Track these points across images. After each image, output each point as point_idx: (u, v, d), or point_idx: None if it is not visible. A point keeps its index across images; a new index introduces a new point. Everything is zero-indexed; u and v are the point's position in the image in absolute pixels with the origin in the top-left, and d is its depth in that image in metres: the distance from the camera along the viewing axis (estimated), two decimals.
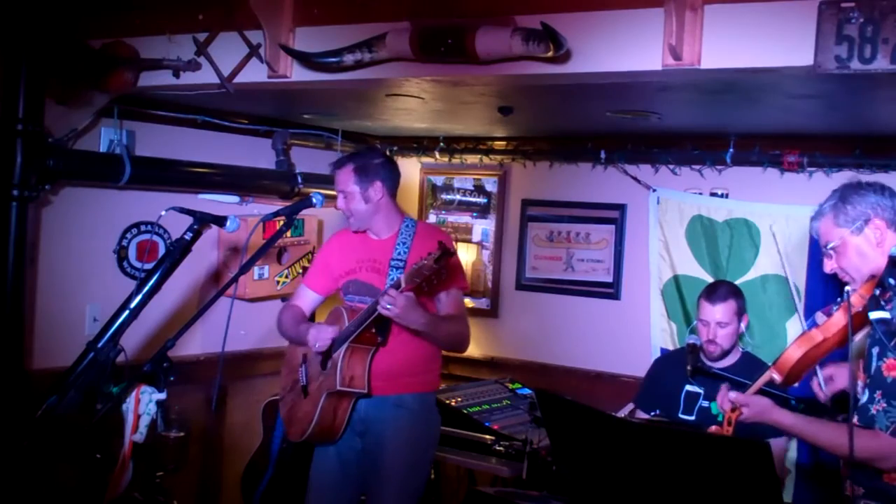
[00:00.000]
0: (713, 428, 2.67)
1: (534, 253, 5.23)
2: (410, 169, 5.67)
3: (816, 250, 4.22)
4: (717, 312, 3.58)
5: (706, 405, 3.60)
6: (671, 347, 4.63)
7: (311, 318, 3.69)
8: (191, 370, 4.37)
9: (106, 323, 3.63)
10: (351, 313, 3.31)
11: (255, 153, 4.86)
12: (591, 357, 4.95)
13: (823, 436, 2.48)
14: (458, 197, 5.55)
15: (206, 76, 3.48)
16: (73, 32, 3.68)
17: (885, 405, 2.35)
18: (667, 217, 4.73)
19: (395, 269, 3.30)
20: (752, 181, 4.49)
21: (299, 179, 4.85)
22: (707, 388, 3.60)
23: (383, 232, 3.43)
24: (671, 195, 4.73)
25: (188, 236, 3.25)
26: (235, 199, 4.71)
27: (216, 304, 2.83)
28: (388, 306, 3.05)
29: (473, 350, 5.31)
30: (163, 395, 3.56)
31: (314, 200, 3.20)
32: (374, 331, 3.26)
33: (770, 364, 2.64)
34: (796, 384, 2.75)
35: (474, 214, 5.48)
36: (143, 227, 4.40)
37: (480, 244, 5.45)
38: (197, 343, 4.57)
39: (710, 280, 4.35)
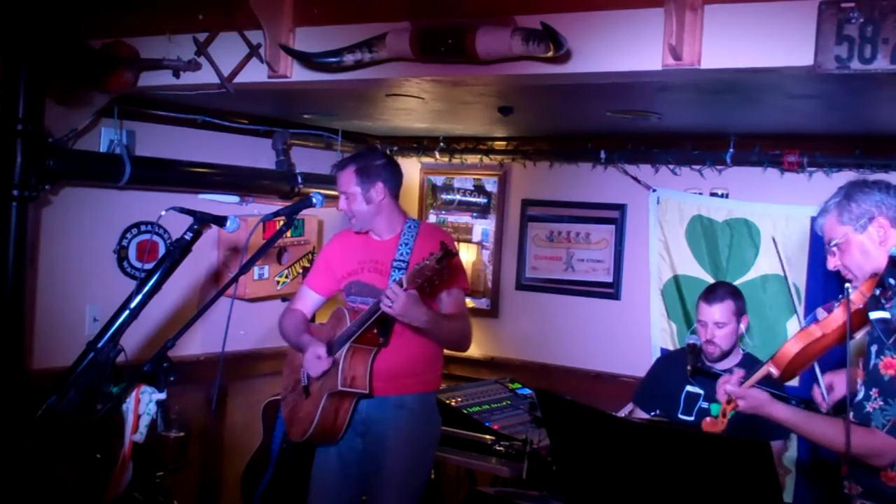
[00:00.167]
0: (707, 419, 2.66)
1: (534, 253, 5.23)
2: (410, 169, 5.66)
3: (816, 251, 4.28)
4: (715, 313, 3.58)
5: (706, 406, 3.60)
6: (671, 347, 4.63)
7: (312, 319, 3.69)
8: (191, 370, 4.37)
9: (106, 323, 3.63)
10: (353, 314, 3.31)
11: (255, 153, 4.86)
12: (591, 357, 4.95)
13: (818, 431, 2.49)
14: (458, 197, 5.55)
15: (206, 76, 3.48)
16: (73, 32, 3.68)
17: (881, 403, 2.36)
18: (667, 217, 4.73)
19: (397, 270, 3.30)
20: (752, 181, 4.49)
21: (299, 179, 4.85)
22: (707, 389, 3.59)
23: (385, 233, 3.43)
24: (671, 195, 4.73)
25: (188, 236, 3.25)
26: (235, 199, 4.71)
27: (216, 304, 2.83)
28: (390, 304, 3.05)
29: (473, 350, 5.31)
30: (163, 395, 3.57)
31: (314, 200, 3.20)
32: (375, 331, 3.26)
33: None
34: (794, 380, 2.74)
35: (474, 214, 5.48)
36: (143, 227, 4.40)
37: (480, 244, 5.45)
38: (197, 343, 4.57)
39: (711, 280, 4.36)
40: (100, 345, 3.51)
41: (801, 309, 3.75)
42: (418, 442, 3.41)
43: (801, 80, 2.84)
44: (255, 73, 3.38)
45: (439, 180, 5.61)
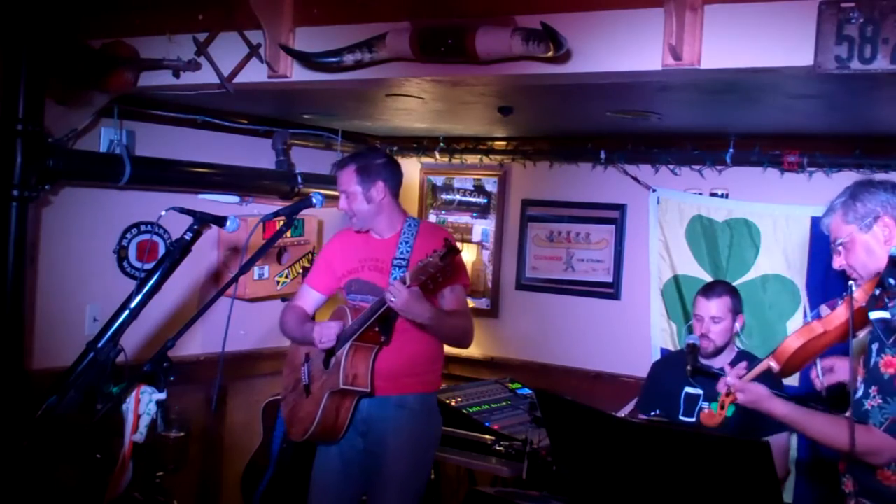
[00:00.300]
0: (706, 411, 2.66)
1: (534, 253, 5.23)
2: (410, 169, 5.66)
3: (816, 251, 4.28)
4: (712, 308, 3.61)
5: (706, 406, 3.60)
6: (671, 347, 4.63)
7: (313, 319, 3.69)
8: (191, 370, 4.37)
9: (106, 323, 3.64)
10: (354, 312, 3.31)
11: (255, 153, 4.86)
12: (591, 357, 4.95)
13: (816, 428, 2.49)
14: (458, 197, 5.55)
15: (206, 76, 3.48)
16: (73, 32, 3.68)
17: (880, 401, 2.36)
18: (667, 217, 4.73)
19: (397, 269, 3.30)
20: (752, 181, 4.49)
21: (299, 179, 4.85)
22: (707, 389, 3.60)
23: (386, 231, 3.43)
24: (671, 195, 4.73)
25: (188, 236, 3.25)
26: (235, 199, 4.71)
27: (216, 304, 2.83)
28: (393, 299, 3.05)
29: (473, 350, 5.31)
30: (163, 395, 3.57)
31: (314, 200, 3.20)
32: (377, 329, 3.26)
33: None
34: (794, 376, 2.74)
35: (474, 214, 5.48)
36: (143, 227, 4.40)
37: (480, 244, 5.45)
38: (197, 343, 4.57)
39: (711, 280, 4.36)
40: (100, 345, 3.51)
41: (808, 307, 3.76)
42: (419, 442, 3.41)
43: (801, 80, 2.84)
44: (255, 73, 3.38)
45: (439, 180, 5.61)
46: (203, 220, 3.23)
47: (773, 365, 2.55)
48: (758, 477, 2.33)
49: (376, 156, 3.46)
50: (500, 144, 5.22)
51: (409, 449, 3.37)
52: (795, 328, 2.73)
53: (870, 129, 3.97)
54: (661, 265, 4.76)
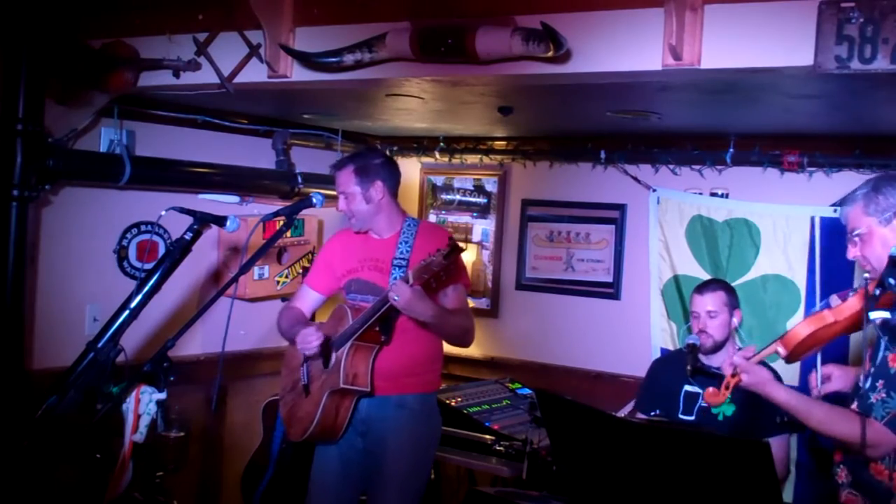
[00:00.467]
0: (710, 389, 2.66)
1: (534, 253, 5.23)
2: (410, 169, 5.67)
3: (816, 251, 4.28)
4: (707, 302, 3.62)
5: (706, 405, 3.60)
6: (671, 347, 4.63)
7: (313, 318, 3.69)
8: (191, 370, 4.37)
9: (106, 323, 3.63)
10: (355, 312, 3.31)
11: (255, 153, 4.86)
12: (591, 357, 4.95)
13: (815, 416, 2.49)
14: (458, 197, 5.55)
15: (206, 76, 3.48)
16: (73, 32, 3.68)
17: (884, 395, 2.38)
18: (667, 217, 4.73)
19: (397, 268, 3.30)
20: (752, 181, 4.49)
21: (299, 179, 4.85)
22: (706, 388, 3.59)
23: (385, 231, 3.43)
24: (671, 195, 4.73)
25: (188, 236, 3.25)
26: (235, 199, 4.71)
27: (216, 304, 2.83)
28: (396, 297, 3.05)
29: (473, 350, 5.30)
30: (163, 395, 3.57)
31: (314, 200, 3.20)
32: (377, 329, 3.26)
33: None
34: (794, 377, 2.74)
35: (474, 214, 5.48)
36: (143, 227, 4.40)
37: (480, 244, 5.45)
38: (197, 343, 4.57)
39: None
40: (100, 345, 3.51)
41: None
42: (419, 442, 3.41)
43: (801, 80, 2.84)
44: (255, 73, 3.38)
45: (439, 180, 5.62)
46: (203, 220, 3.23)
47: (781, 350, 2.55)
48: (758, 477, 2.34)
49: (374, 156, 3.46)
50: (500, 144, 5.22)
51: (409, 449, 3.37)
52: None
53: (870, 129, 3.97)
54: (661, 265, 4.76)
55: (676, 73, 2.73)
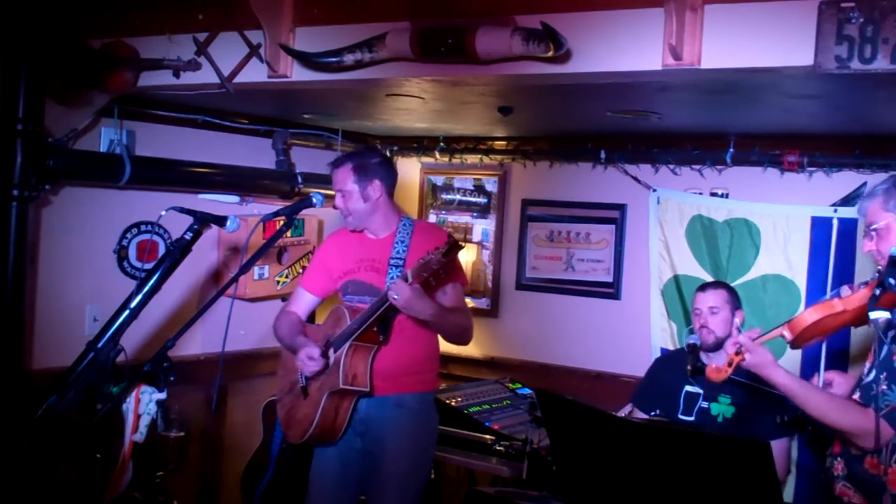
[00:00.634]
0: (713, 366, 2.66)
1: (534, 253, 5.23)
2: (410, 169, 5.67)
3: (816, 251, 4.28)
4: (709, 299, 3.64)
5: (706, 406, 3.60)
6: (671, 347, 4.63)
7: (312, 319, 3.69)
8: (191, 370, 4.37)
9: (106, 323, 3.63)
10: (353, 312, 3.31)
11: (255, 153, 4.86)
12: (591, 357, 4.95)
13: (813, 402, 2.51)
14: (458, 197, 5.55)
15: (206, 76, 3.48)
16: (73, 32, 3.68)
17: (884, 387, 2.40)
18: (667, 217, 4.73)
19: (394, 268, 3.30)
20: (752, 181, 4.49)
21: (299, 179, 4.85)
22: (706, 389, 3.60)
23: (381, 231, 3.43)
24: (671, 195, 4.73)
25: (188, 236, 3.25)
26: (235, 199, 4.71)
27: (216, 304, 2.83)
28: (395, 296, 3.05)
29: (473, 350, 5.31)
30: (163, 395, 3.57)
31: (314, 200, 3.20)
32: (375, 329, 3.26)
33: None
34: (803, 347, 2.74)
35: (474, 214, 5.48)
36: (143, 227, 4.40)
37: (480, 244, 5.45)
38: (197, 343, 4.57)
39: (711, 280, 4.36)
40: (100, 345, 3.51)
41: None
42: (418, 441, 3.41)
43: (801, 80, 2.84)
44: (255, 73, 3.38)
45: (439, 180, 5.62)
46: (203, 220, 3.23)
47: (787, 334, 2.55)
48: (758, 477, 2.34)
49: (372, 155, 3.45)
50: (500, 144, 5.22)
51: (409, 448, 3.37)
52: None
53: (870, 129, 3.97)
54: (662, 265, 4.76)
55: (676, 73, 2.73)
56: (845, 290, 2.61)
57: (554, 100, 3.82)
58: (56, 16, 3.59)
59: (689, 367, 3.57)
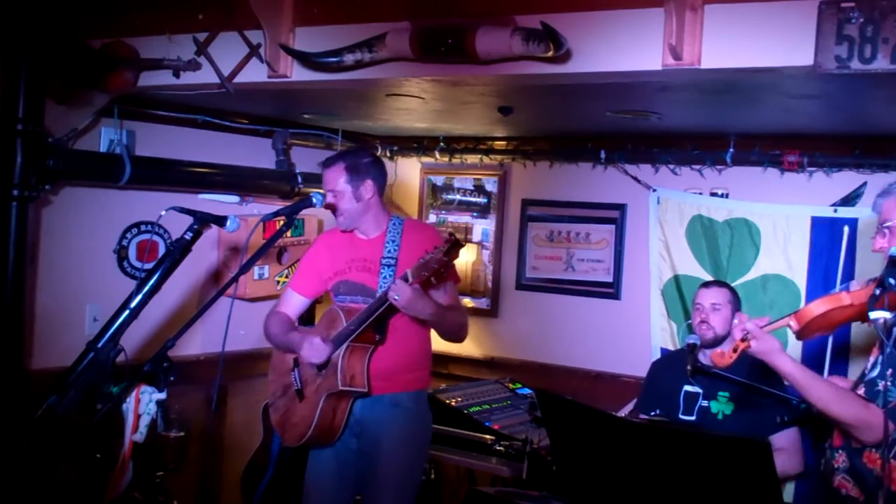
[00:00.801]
0: (718, 350, 2.66)
1: (534, 253, 5.23)
2: (410, 169, 5.67)
3: (816, 251, 4.28)
4: (711, 295, 3.67)
5: (706, 404, 3.60)
6: (671, 347, 4.63)
7: (311, 321, 3.67)
8: (191, 370, 4.37)
9: (106, 323, 3.64)
10: (347, 314, 3.30)
11: (255, 153, 4.86)
12: (591, 357, 4.95)
13: (816, 391, 2.52)
14: (458, 197, 5.55)
15: (206, 76, 3.48)
16: (73, 32, 3.68)
17: (889, 383, 2.41)
18: (667, 217, 4.73)
19: (386, 268, 3.30)
20: (752, 181, 4.49)
21: (299, 179, 4.85)
22: (706, 388, 3.61)
23: (371, 231, 3.42)
24: (671, 195, 4.73)
25: (188, 236, 3.25)
26: (235, 199, 4.71)
27: (216, 304, 2.82)
28: (396, 297, 3.05)
29: (473, 350, 5.31)
30: (163, 395, 3.57)
31: (314, 200, 3.20)
32: (371, 329, 3.26)
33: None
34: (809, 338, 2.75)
35: (474, 214, 5.48)
36: (143, 227, 4.40)
37: (480, 244, 5.45)
38: (197, 343, 4.57)
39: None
40: (100, 345, 3.51)
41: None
42: (414, 440, 3.41)
43: (801, 80, 2.84)
44: (255, 73, 3.38)
45: (439, 180, 5.62)
46: (203, 220, 3.23)
47: (793, 324, 2.56)
48: (758, 477, 2.34)
49: (364, 154, 3.44)
50: (500, 144, 5.22)
51: (405, 448, 3.37)
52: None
53: (870, 129, 3.97)
54: (662, 265, 4.76)
55: (676, 73, 2.73)
56: (854, 284, 2.61)
57: (554, 100, 3.82)
58: (56, 16, 3.59)
59: (688, 367, 3.57)
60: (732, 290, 3.75)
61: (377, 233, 3.41)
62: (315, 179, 4.85)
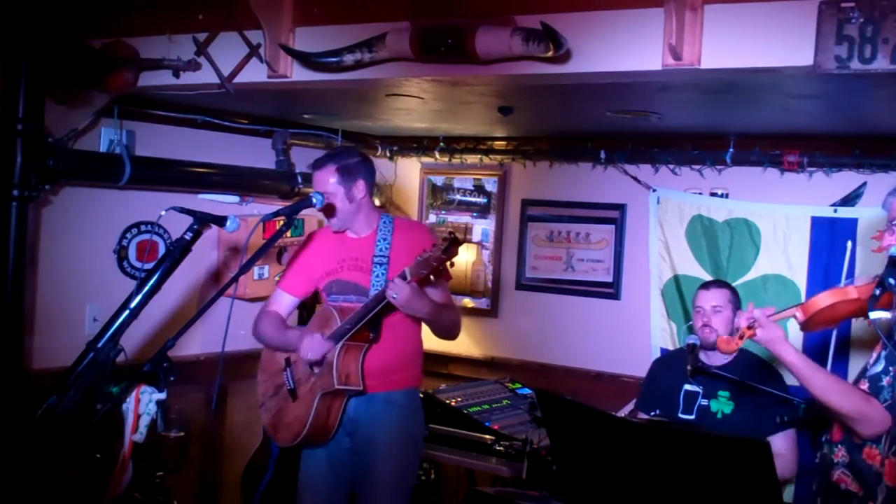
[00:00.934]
0: (724, 336, 2.66)
1: (534, 253, 5.23)
2: (410, 169, 5.67)
3: (816, 251, 4.28)
4: (712, 297, 3.66)
5: (705, 403, 3.60)
6: (671, 347, 4.63)
7: (306, 321, 3.67)
8: (191, 370, 4.37)
9: (106, 323, 3.63)
10: (342, 313, 3.30)
11: (255, 153, 4.86)
12: (591, 357, 4.95)
13: (818, 383, 2.52)
14: (458, 197, 5.55)
15: (206, 76, 3.48)
16: (73, 32, 3.68)
17: (891, 379, 2.43)
18: (667, 217, 4.73)
19: (378, 266, 3.30)
20: (752, 181, 4.49)
21: (299, 179, 4.85)
22: (705, 387, 3.61)
23: (363, 230, 3.42)
24: (671, 195, 4.73)
25: (188, 236, 3.24)
26: (235, 199, 4.71)
27: (216, 304, 2.82)
28: (395, 295, 3.06)
29: (473, 350, 5.31)
30: (163, 395, 3.57)
31: (314, 200, 3.20)
32: (366, 327, 3.26)
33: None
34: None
35: (474, 214, 5.48)
36: (143, 227, 4.40)
37: (480, 244, 5.45)
38: (197, 343, 4.57)
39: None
40: (100, 345, 3.51)
41: None
42: (408, 438, 3.41)
43: (801, 80, 2.84)
44: (255, 73, 3.38)
45: (439, 180, 5.61)
46: (203, 220, 3.22)
47: (799, 315, 2.56)
48: (758, 477, 2.34)
49: (354, 154, 3.44)
50: (500, 144, 5.22)
51: (400, 445, 3.37)
52: (795, 328, 2.73)
53: (870, 129, 3.97)
54: (662, 265, 4.76)
55: (676, 73, 2.73)
56: (861, 279, 2.62)
57: (554, 100, 3.82)
58: (56, 16, 3.59)
59: (688, 367, 3.57)
60: (732, 290, 3.75)
61: (368, 231, 3.41)
62: None
